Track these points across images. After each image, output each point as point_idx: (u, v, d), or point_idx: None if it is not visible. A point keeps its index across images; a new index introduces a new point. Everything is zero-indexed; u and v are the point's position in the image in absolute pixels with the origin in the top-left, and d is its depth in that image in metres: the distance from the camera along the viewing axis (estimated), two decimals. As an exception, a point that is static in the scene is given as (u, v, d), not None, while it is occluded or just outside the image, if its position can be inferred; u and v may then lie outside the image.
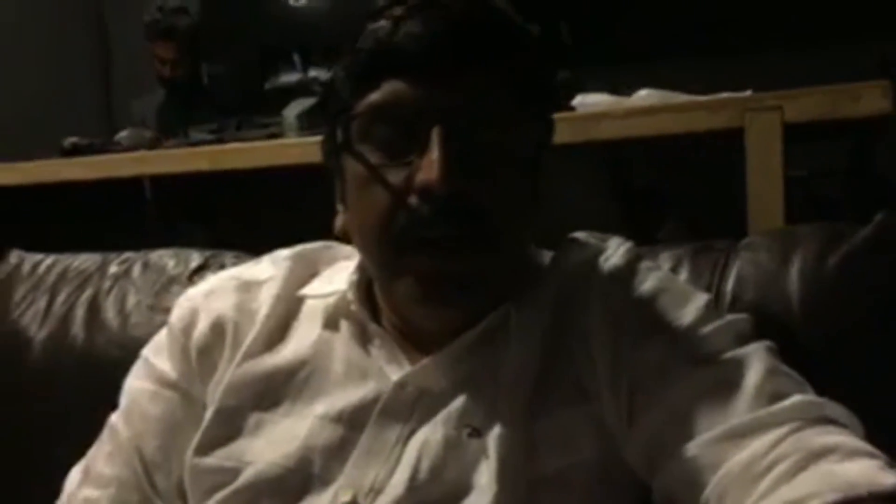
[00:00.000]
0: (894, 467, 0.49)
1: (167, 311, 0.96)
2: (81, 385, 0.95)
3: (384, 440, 0.60)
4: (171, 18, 2.76)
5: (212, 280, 0.74)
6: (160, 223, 1.62)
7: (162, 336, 0.72)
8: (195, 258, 1.03)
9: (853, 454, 0.50)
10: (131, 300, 0.99)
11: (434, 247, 0.57)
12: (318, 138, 1.45)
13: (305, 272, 0.71)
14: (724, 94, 1.07)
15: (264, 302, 0.69)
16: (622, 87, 1.21)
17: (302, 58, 1.62)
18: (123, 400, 0.71)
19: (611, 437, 0.59)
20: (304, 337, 0.67)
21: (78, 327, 0.99)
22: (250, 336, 0.66)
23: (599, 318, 0.61)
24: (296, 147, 1.36)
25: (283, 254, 0.73)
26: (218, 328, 0.68)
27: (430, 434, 0.59)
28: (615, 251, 0.66)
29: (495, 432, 0.58)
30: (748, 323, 0.61)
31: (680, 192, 1.39)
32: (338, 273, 0.70)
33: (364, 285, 0.67)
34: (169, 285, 1.00)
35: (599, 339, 0.60)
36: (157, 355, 0.70)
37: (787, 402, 0.54)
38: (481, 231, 0.57)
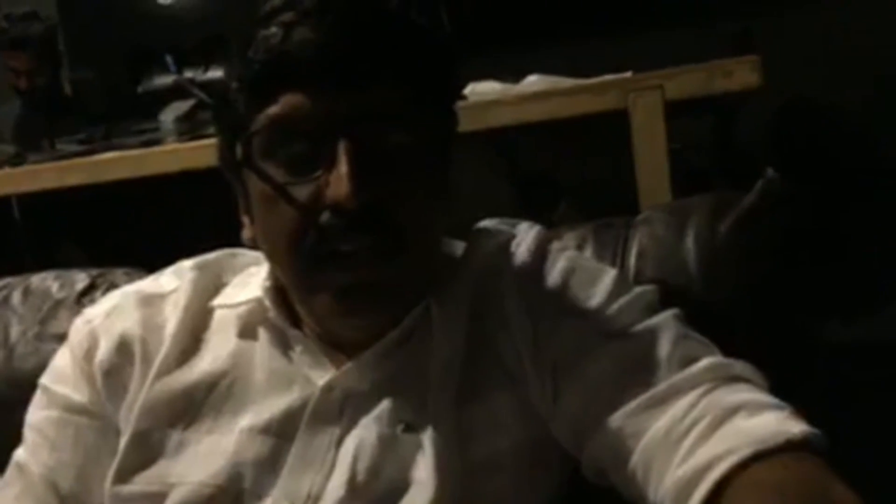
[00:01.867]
0: (799, 417, 0.53)
1: (61, 337, 0.91)
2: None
3: (316, 446, 0.59)
4: (20, 27, 2.57)
5: (111, 297, 0.70)
6: (33, 245, 1.51)
7: (60, 362, 0.67)
8: (81, 279, 0.97)
9: (762, 408, 0.54)
10: (15, 330, 0.92)
11: (347, 259, 0.56)
12: (201, 143, 1.39)
13: (212, 282, 0.69)
14: (608, 77, 1.11)
15: (171, 315, 0.66)
16: (503, 74, 1.24)
17: (175, 58, 1.54)
18: (27, 434, 0.66)
19: (538, 418, 0.60)
20: (219, 348, 0.64)
21: (-45, 365, 0.90)
22: (161, 352, 0.64)
23: (517, 304, 0.62)
24: (177, 153, 1.30)
25: (187, 264, 0.70)
26: (124, 348, 0.64)
27: (365, 434, 0.59)
28: (525, 236, 0.67)
29: (428, 425, 0.58)
30: (655, 294, 0.64)
31: (569, 175, 1.44)
32: (247, 280, 0.68)
33: (279, 291, 0.65)
34: (55, 310, 0.93)
35: (518, 324, 0.61)
36: (57, 382, 0.66)
37: (698, 366, 0.57)
38: (394, 239, 0.57)
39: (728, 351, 0.60)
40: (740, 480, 0.49)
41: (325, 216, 0.55)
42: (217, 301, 0.67)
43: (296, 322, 0.64)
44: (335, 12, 0.55)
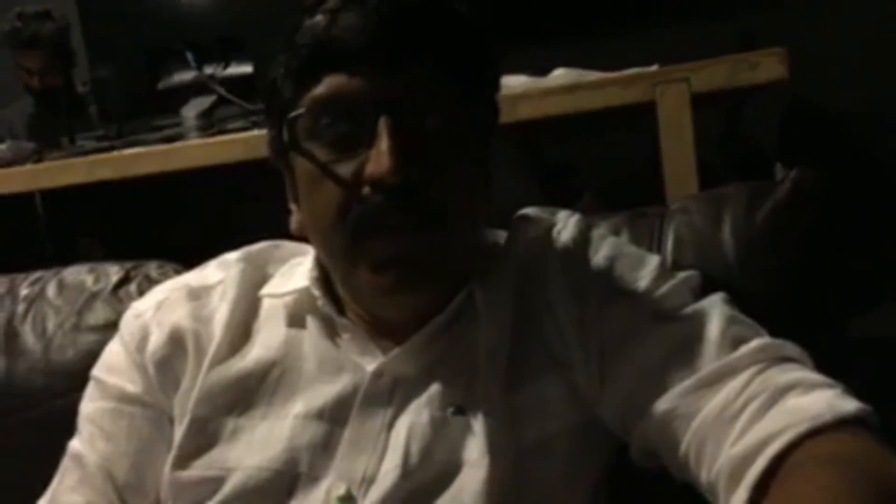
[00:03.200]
0: (850, 394, 0.54)
1: (97, 329, 0.92)
2: (6, 417, 0.89)
3: (368, 430, 0.60)
4: (33, 25, 2.56)
5: (158, 291, 0.71)
6: (55, 239, 1.51)
7: (112, 354, 0.68)
8: (115, 271, 0.98)
9: (814, 386, 0.54)
10: (52, 323, 0.93)
11: (390, 232, 0.57)
12: (227, 138, 1.40)
13: (258, 273, 0.70)
14: (634, 70, 1.12)
15: (219, 306, 0.67)
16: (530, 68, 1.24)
17: (194, 55, 1.55)
18: (82, 425, 0.67)
19: (585, 402, 0.61)
20: (269, 338, 0.65)
21: (-6, 356, 0.91)
22: (214, 342, 0.65)
23: (562, 289, 0.63)
24: (203, 148, 1.30)
25: (232, 256, 0.71)
26: (176, 339, 0.65)
27: (415, 418, 0.60)
28: (566, 223, 0.68)
29: (478, 409, 0.59)
30: (699, 279, 0.65)
31: (593, 166, 1.44)
32: (293, 271, 0.69)
33: (325, 280, 0.66)
34: (91, 302, 0.94)
35: (564, 309, 0.62)
36: (110, 373, 0.67)
37: (749, 346, 0.58)
38: (435, 216, 0.58)
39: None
40: (796, 456, 0.50)
41: (366, 190, 0.57)
42: (265, 291, 0.68)
43: (342, 311, 0.65)
44: (378, 4, 0.56)
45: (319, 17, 0.57)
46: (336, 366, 0.63)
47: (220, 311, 0.66)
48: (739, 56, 1.06)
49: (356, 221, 0.58)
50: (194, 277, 0.71)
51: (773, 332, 0.61)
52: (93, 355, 0.90)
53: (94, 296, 0.94)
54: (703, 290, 0.64)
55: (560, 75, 1.12)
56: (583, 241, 0.66)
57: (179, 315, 0.66)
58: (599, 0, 2.43)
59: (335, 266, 0.62)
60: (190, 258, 1.01)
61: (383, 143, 0.55)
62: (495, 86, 0.67)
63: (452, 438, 0.59)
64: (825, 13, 2.34)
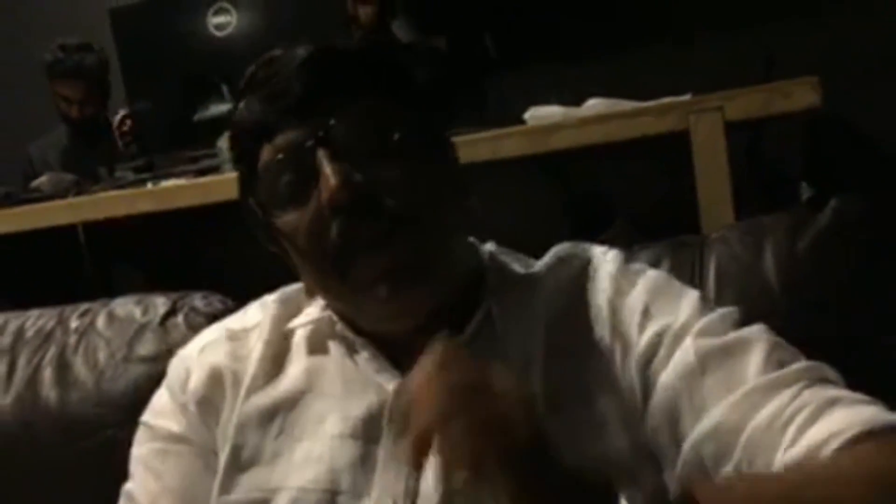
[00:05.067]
0: (890, 411, 0.55)
1: (147, 359, 0.94)
2: (59, 449, 0.91)
3: (402, 446, 0.61)
4: (75, 56, 2.63)
5: (202, 336, 0.74)
6: (96, 270, 1.55)
7: (158, 400, 0.72)
8: (162, 303, 1.00)
9: (858, 402, 0.56)
10: (102, 354, 0.95)
11: (367, 249, 0.60)
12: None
13: (291, 311, 0.73)
14: (667, 99, 1.13)
15: (255, 345, 0.70)
16: (563, 91, 1.26)
17: (230, 88, 1.59)
18: (134, 468, 0.70)
19: (627, 426, 0.61)
20: (297, 368, 0.68)
21: (48, 388, 0.94)
22: (249, 375, 0.68)
23: (600, 321, 0.64)
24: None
25: (271, 298, 0.74)
26: (214, 377, 0.69)
27: None
28: (605, 257, 0.69)
29: None
30: (740, 313, 0.66)
31: (624, 193, 1.45)
32: (318, 304, 0.72)
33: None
34: (140, 334, 0.96)
35: (601, 339, 0.63)
36: (157, 417, 0.70)
37: (793, 367, 0.59)
38: (403, 218, 0.60)
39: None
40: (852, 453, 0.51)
41: (333, 226, 0.60)
42: (293, 324, 0.71)
43: (360, 331, 0.67)
44: (283, 65, 0.62)
45: (241, 105, 0.64)
46: (360, 384, 0.65)
47: (256, 350, 0.69)
48: (773, 85, 1.07)
49: (335, 252, 0.60)
50: (235, 320, 0.74)
51: (819, 360, 0.62)
52: (143, 386, 0.93)
53: (142, 327, 0.97)
54: (744, 324, 0.65)
55: (594, 104, 1.14)
56: (621, 275, 0.67)
57: (219, 356, 0.70)
58: (621, 22, 2.46)
59: (338, 299, 0.65)
60: (228, 287, 1.03)
61: (325, 169, 0.59)
62: (436, 95, 0.69)
63: None
64: (849, 34, 2.35)
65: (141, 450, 0.70)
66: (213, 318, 0.89)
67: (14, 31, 3.38)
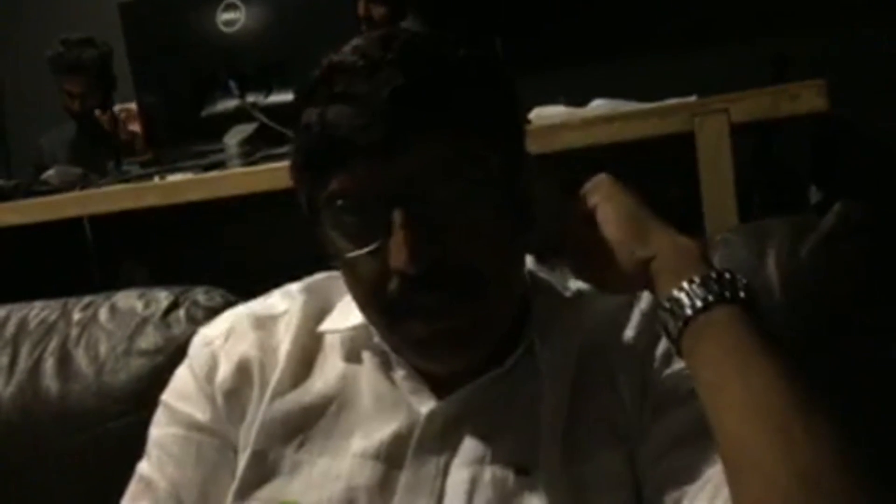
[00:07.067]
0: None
1: (148, 353, 0.94)
2: (59, 440, 0.91)
3: (424, 475, 0.61)
4: (76, 51, 2.65)
5: (225, 319, 0.72)
6: (101, 264, 1.55)
7: (181, 380, 0.69)
8: (164, 297, 1.00)
9: None
10: (104, 347, 0.95)
11: (424, 314, 0.57)
12: (274, 166, 1.42)
13: (320, 305, 0.70)
14: (673, 101, 1.12)
15: (283, 337, 0.68)
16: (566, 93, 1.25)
17: (238, 83, 1.59)
18: (152, 450, 0.68)
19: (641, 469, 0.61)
20: (328, 372, 0.66)
21: (49, 379, 0.94)
22: (276, 374, 0.66)
23: (628, 358, 0.63)
24: (250, 176, 1.33)
25: (295, 287, 0.72)
26: (243, 370, 0.67)
27: (476, 472, 0.60)
28: (642, 298, 0.66)
29: (540, 472, 0.59)
30: None
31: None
32: (352, 305, 0.68)
33: None
34: (142, 327, 0.97)
35: (626, 375, 0.62)
36: (180, 400, 0.68)
37: None
38: (467, 285, 0.57)
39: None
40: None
41: (392, 283, 0.57)
42: (325, 326, 0.69)
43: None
44: (369, 80, 0.55)
45: (312, 112, 0.57)
46: (392, 403, 0.64)
47: (285, 343, 0.67)
48: (779, 87, 1.06)
49: (388, 305, 0.58)
50: (260, 306, 0.71)
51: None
52: (144, 379, 0.94)
53: (144, 321, 0.97)
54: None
55: (599, 105, 1.13)
56: (653, 313, 0.63)
57: (247, 345, 0.67)
58: (630, 25, 2.45)
59: (380, 334, 0.63)
60: (232, 283, 1.03)
61: (398, 236, 0.55)
62: (508, 134, 0.62)
63: (515, 499, 0.59)
64: (859, 38, 2.34)
65: (161, 432, 0.68)
66: (215, 312, 0.89)
67: (26, 25, 3.41)
